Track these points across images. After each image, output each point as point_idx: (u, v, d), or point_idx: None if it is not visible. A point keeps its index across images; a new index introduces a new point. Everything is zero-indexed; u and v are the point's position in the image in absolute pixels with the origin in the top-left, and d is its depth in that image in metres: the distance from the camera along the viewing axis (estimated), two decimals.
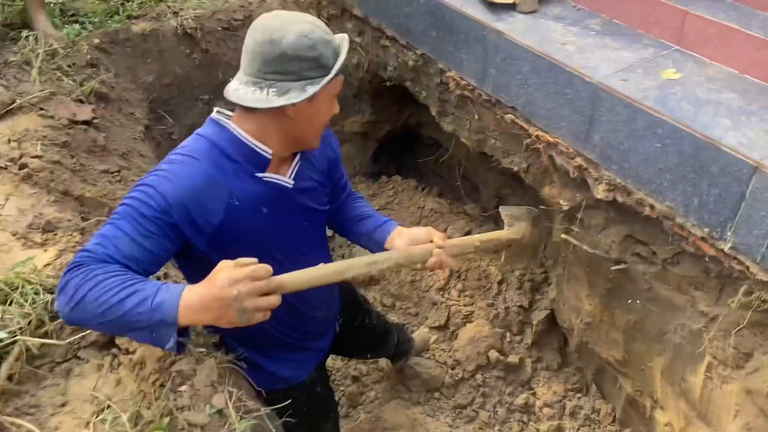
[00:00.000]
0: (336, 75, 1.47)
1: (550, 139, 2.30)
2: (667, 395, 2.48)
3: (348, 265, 1.56)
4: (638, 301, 2.40)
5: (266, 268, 1.32)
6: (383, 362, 3.21)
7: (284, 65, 1.40)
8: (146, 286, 1.27)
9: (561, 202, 2.46)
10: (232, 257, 1.37)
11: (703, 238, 1.86)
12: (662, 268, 2.19)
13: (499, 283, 3.39)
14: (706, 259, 1.92)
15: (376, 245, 1.89)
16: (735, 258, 1.78)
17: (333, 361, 3.24)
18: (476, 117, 2.79)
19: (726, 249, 1.78)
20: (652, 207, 1.99)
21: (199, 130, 1.53)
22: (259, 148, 1.51)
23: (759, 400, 1.87)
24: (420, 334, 3.22)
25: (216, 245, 1.49)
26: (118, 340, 1.69)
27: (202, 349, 1.74)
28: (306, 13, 1.53)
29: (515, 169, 2.70)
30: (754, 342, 1.90)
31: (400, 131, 4.43)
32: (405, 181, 4.33)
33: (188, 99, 3.59)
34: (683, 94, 1.92)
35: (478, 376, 3.12)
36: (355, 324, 2.37)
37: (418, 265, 1.73)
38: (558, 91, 2.18)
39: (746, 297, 1.81)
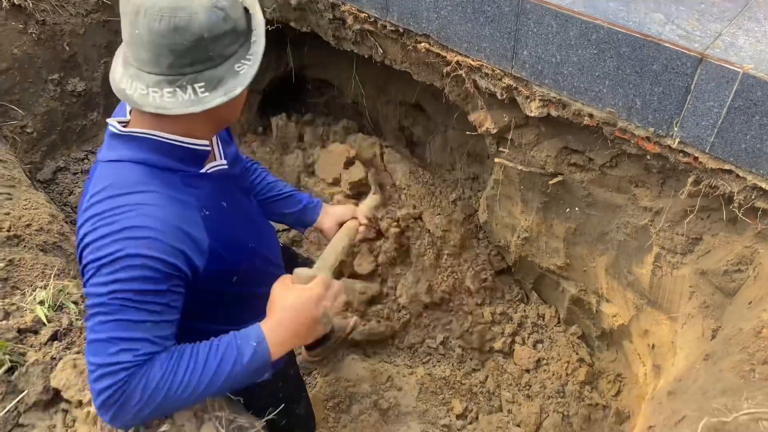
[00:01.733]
0: (263, 34, 1.25)
1: (472, 63, 2.19)
2: (613, 289, 2.60)
3: (340, 245, 1.76)
4: (577, 209, 2.45)
5: (324, 275, 1.37)
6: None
7: (203, 52, 1.14)
8: (222, 350, 1.20)
9: (488, 126, 2.39)
10: (228, 270, 1.37)
11: (647, 138, 1.88)
12: (600, 173, 2.22)
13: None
14: (648, 157, 1.96)
15: (301, 224, 1.96)
16: (682, 151, 1.81)
17: None
18: (380, 51, 2.60)
19: (674, 144, 1.81)
20: (591, 116, 1.97)
21: (109, 157, 1.24)
22: (195, 145, 1.28)
23: (714, 279, 1.99)
24: (338, 321, 3.06)
25: (212, 267, 1.30)
26: (64, 392, 1.41)
27: None
28: None
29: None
30: (702, 226, 2.00)
31: (283, 77, 4.11)
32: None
33: (35, 83, 3.04)
34: None
35: (425, 315, 3.10)
36: None
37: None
38: (476, 9, 2.04)
39: (694, 186, 1.88)
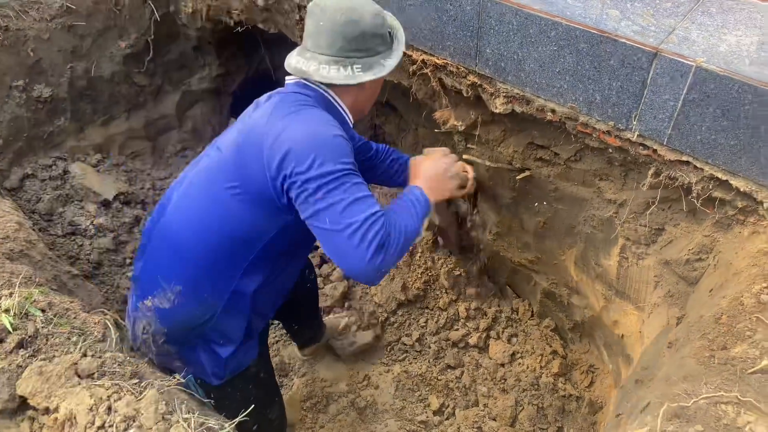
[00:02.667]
0: (404, 44, 1.78)
1: (437, 61, 2.21)
2: (582, 281, 2.65)
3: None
4: (545, 203, 2.48)
5: (444, 148, 2.06)
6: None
7: (364, 43, 1.61)
8: (409, 203, 1.68)
9: (455, 123, 2.41)
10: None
11: (607, 132, 1.91)
12: (566, 167, 2.26)
13: None
14: (610, 150, 2.00)
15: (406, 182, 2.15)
16: (641, 144, 1.85)
17: None
18: None
19: (633, 138, 1.85)
20: (553, 111, 2.00)
21: (295, 89, 1.65)
22: (347, 115, 1.73)
23: (677, 268, 2.04)
24: (330, 320, 3.07)
25: None
26: (31, 399, 1.40)
27: (134, 380, 1.52)
28: None
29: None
30: (664, 217, 2.04)
31: (254, 79, 4.10)
32: None
33: None
34: None
35: (400, 312, 3.11)
36: (301, 287, 2.37)
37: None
38: (438, 8, 2.06)
39: (654, 178, 1.92)
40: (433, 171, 1.84)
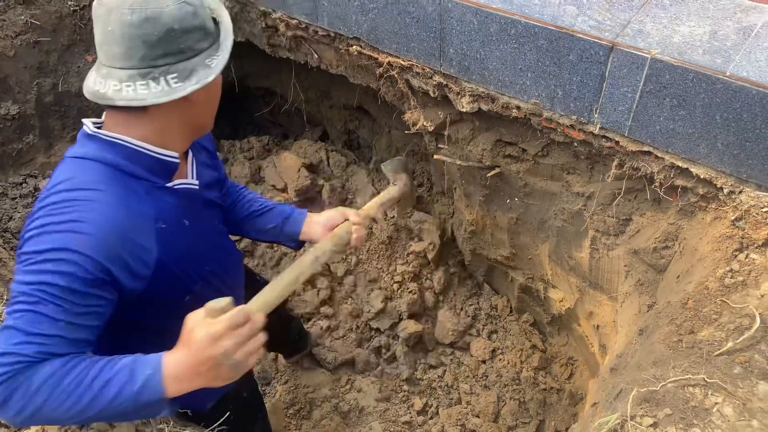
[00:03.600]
0: (232, 34, 1.32)
1: (403, 63, 2.23)
2: (557, 275, 2.68)
3: (298, 270, 1.54)
4: (516, 199, 2.51)
5: (243, 311, 1.14)
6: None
7: (174, 44, 1.19)
8: (116, 370, 1.10)
9: (425, 124, 2.44)
10: (180, 288, 1.32)
11: (571, 126, 1.95)
12: (534, 163, 2.29)
13: None
14: (575, 144, 2.03)
15: (287, 238, 1.83)
16: (604, 137, 1.89)
17: None
18: (315, 57, 2.62)
19: (595, 131, 1.88)
20: (518, 108, 2.03)
21: (77, 153, 1.24)
22: (164, 155, 1.29)
23: (646, 257, 2.08)
24: (317, 325, 3.06)
25: (157, 283, 1.28)
26: None
27: None
28: None
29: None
30: (630, 207, 2.08)
31: (225, 89, 4.08)
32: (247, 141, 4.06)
33: None
34: None
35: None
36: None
37: (346, 248, 1.74)
38: (401, 11, 2.09)
39: (618, 169, 1.95)
40: (204, 351, 1.09)
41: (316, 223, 1.77)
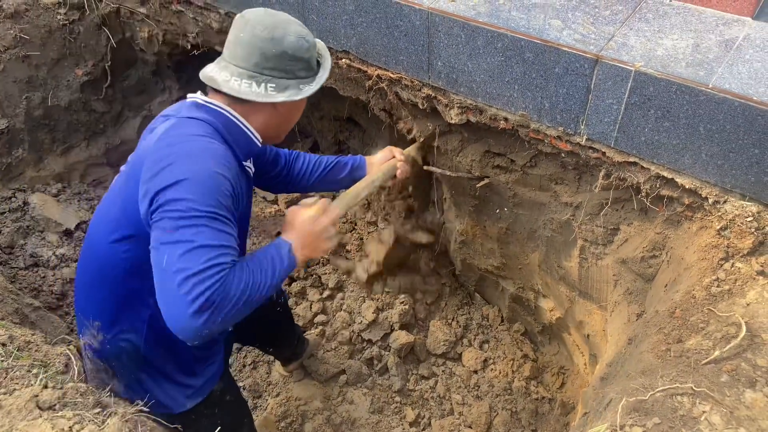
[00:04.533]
0: (328, 73, 1.63)
1: (392, 75, 2.25)
2: (547, 284, 2.70)
3: (359, 188, 1.98)
4: (506, 209, 2.53)
5: (324, 200, 1.64)
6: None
7: (283, 63, 1.50)
8: (269, 259, 1.45)
9: (415, 135, 2.46)
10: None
11: (558, 137, 1.97)
12: (522, 173, 2.31)
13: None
14: (563, 155, 2.05)
15: (357, 180, 2.10)
16: (591, 148, 1.91)
17: None
18: None
19: (582, 141, 1.90)
20: (506, 119, 2.05)
21: (189, 114, 1.50)
22: (253, 135, 1.58)
23: (634, 266, 2.10)
24: (312, 334, 3.07)
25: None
26: None
27: (96, 409, 1.50)
28: None
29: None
30: (618, 217, 2.10)
31: None
32: None
33: None
34: (511, 3, 1.96)
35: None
36: (263, 312, 2.28)
37: (391, 181, 2.16)
38: (389, 24, 2.11)
39: (605, 180, 1.98)
40: (309, 228, 1.57)
41: (371, 165, 2.13)
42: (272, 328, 2.53)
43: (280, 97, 1.50)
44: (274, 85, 1.49)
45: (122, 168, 1.62)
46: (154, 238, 1.34)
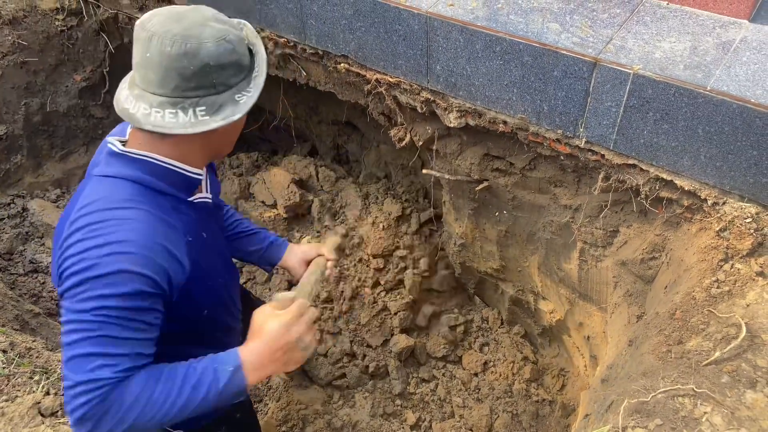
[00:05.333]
0: (266, 71, 1.32)
1: (390, 80, 2.26)
2: (546, 286, 2.70)
3: (310, 288, 1.68)
4: (505, 212, 2.54)
5: (301, 300, 1.33)
6: None
7: (208, 79, 1.20)
8: (199, 372, 1.21)
9: (415, 139, 2.46)
10: (201, 302, 1.39)
11: (557, 140, 1.98)
12: (521, 176, 2.32)
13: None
14: (562, 158, 2.06)
15: (266, 262, 1.90)
16: (590, 150, 1.92)
17: None
18: (303, 74, 2.65)
19: (581, 144, 1.91)
20: (505, 123, 2.06)
21: (105, 172, 1.27)
22: (190, 172, 1.33)
23: (633, 268, 2.10)
24: None
25: (189, 294, 1.33)
26: None
27: None
28: None
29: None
30: (617, 219, 2.11)
31: None
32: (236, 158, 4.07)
33: None
34: (509, 7, 1.97)
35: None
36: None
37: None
38: (388, 29, 2.12)
39: (605, 182, 1.98)
40: (282, 340, 1.26)
41: (294, 254, 1.86)
42: None
43: (215, 123, 1.22)
44: (204, 108, 1.21)
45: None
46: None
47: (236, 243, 1.85)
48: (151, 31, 1.18)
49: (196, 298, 1.39)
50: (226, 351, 1.26)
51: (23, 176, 3.26)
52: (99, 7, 3.20)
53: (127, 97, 1.25)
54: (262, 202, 3.66)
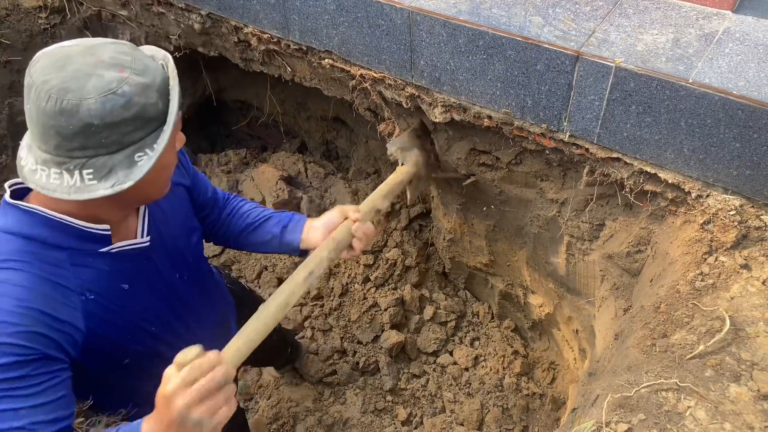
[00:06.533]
0: (173, 125, 1.11)
1: (375, 75, 2.24)
2: (535, 280, 2.70)
3: (287, 293, 1.36)
4: (492, 207, 2.53)
5: (203, 363, 1.03)
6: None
7: (93, 138, 1.03)
8: None
9: (400, 134, 2.45)
10: (114, 358, 1.27)
11: (542, 134, 1.97)
12: (508, 171, 2.31)
13: None
14: (547, 152, 2.05)
15: (288, 248, 1.67)
16: (574, 144, 1.91)
17: None
18: (288, 70, 2.63)
19: (565, 138, 1.90)
20: (490, 117, 2.05)
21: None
22: (91, 229, 1.19)
23: (620, 261, 2.10)
24: (304, 337, 3.05)
25: (91, 353, 1.21)
26: None
27: (80, 419, 1.48)
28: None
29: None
30: (603, 213, 2.10)
31: (201, 102, 4.08)
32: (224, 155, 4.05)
33: None
34: (491, 0, 1.96)
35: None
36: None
37: (345, 253, 1.57)
38: (371, 24, 2.10)
39: (590, 176, 1.98)
40: (165, 417, 1.03)
41: (315, 229, 1.60)
42: (263, 352, 2.45)
43: (103, 190, 1.04)
44: (91, 171, 1.04)
45: None
46: None
47: (247, 238, 1.70)
48: (32, 79, 1.02)
49: (109, 351, 1.28)
50: (134, 422, 1.11)
51: (8, 176, 3.22)
52: (82, 4, 3.17)
53: (24, 146, 1.12)
54: (251, 199, 3.64)
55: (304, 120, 3.75)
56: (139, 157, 1.07)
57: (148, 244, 1.33)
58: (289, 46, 2.44)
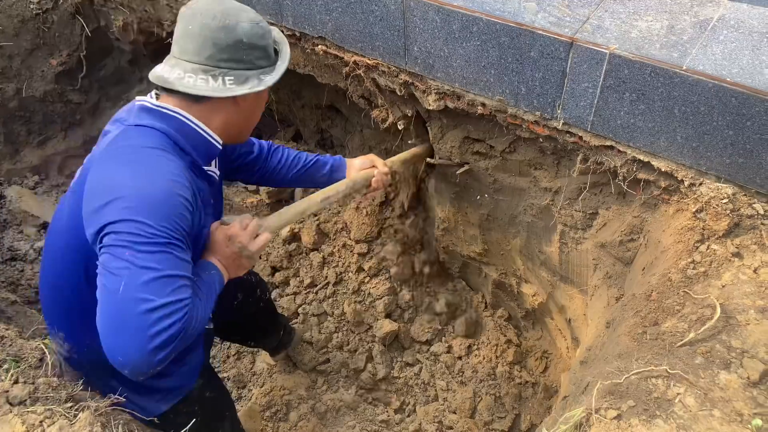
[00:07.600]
0: (288, 61, 1.54)
1: (369, 62, 2.22)
2: (529, 269, 2.70)
3: (305, 205, 1.82)
4: (486, 195, 2.52)
5: (248, 216, 1.55)
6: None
7: (239, 53, 1.39)
8: (206, 283, 1.42)
9: (394, 121, 2.43)
10: (195, 253, 1.48)
11: (536, 122, 1.96)
12: (502, 159, 2.30)
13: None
14: (541, 140, 2.04)
15: (335, 182, 2.03)
16: (568, 132, 1.90)
17: None
18: None
19: (559, 126, 1.89)
20: (483, 105, 2.04)
21: (137, 122, 1.40)
22: (212, 138, 1.47)
23: (613, 250, 2.10)
24: (297, 324, 3.05)
25: (193, 244, 1.43)
26: None
27: (69, 403, 1.48)
28: None
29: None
30: (596, 201, 2.10)
31: None
32: None
33: None
34: None
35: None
36: (244, 308, 2.25)
37: (364, 190, 2.09)
38: (365, 10, 2.08)
39: (583, 164, 1.97)
40: (226, 250, 1.51)
41: (353, 168, 2.06)
42: (253, 323, 2.49)
43: (241, 90, 1.40)
44: (232, 78, 1.39)
45: (78, 172, 1.51)
46: (104, 263, 1.21)
47: (304, 177, 2.05)
48: (196, 8, 1.38)
49: (196, 252, 1.51)
50: (203, 262, 1.48)
51: (0, 163, 3.21)
52: None
53: (163, 67, 1.42)
54: (245, 187, 3.63)
55: (298, 108, 3.73)
56: (263, 76, 1.46)
57: (217, 176, 1.63)
58: (282, 32, 2.42)
